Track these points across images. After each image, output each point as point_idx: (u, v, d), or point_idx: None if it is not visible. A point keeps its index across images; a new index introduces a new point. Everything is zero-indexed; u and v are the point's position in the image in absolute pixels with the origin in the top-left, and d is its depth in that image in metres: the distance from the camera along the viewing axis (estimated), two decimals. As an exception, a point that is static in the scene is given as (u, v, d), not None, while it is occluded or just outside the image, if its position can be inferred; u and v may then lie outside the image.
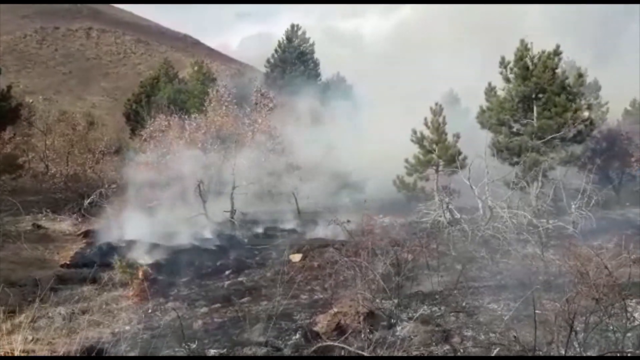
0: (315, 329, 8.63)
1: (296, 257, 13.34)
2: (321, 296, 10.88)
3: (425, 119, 18.53)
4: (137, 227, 16.62)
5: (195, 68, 32.54)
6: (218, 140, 17.81)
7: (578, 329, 6.98)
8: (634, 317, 7.62)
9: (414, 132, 18.74)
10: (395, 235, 13.99)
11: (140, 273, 11.73)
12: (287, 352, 7.84)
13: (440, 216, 16.39)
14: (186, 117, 21.37)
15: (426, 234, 13.72)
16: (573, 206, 15.42)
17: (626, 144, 20.49)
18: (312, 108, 23.98)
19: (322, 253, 13.24)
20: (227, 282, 12.32)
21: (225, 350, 8.13)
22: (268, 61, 33.88)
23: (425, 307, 9.31)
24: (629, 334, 6.99)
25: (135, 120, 28.23)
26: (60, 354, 7.28)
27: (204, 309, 10.57)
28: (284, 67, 30.44)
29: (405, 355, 6.94)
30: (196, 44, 69.81)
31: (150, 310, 10.63)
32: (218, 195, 17.48)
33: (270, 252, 14.27)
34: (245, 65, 48.11)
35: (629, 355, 6.76)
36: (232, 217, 16.79)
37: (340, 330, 8.22)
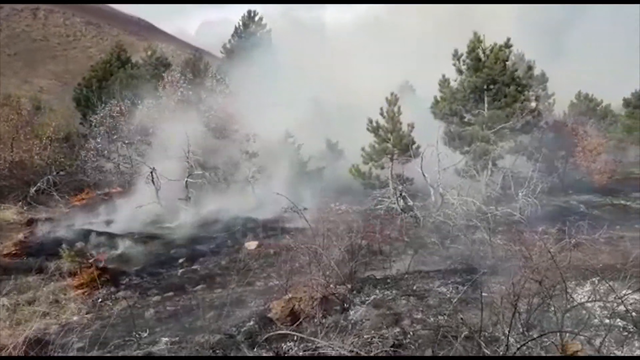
0: (269, 315, 8.67)
1: (252, 245, 13.30)
2: (276, 283, 10.92)
3: (381, 108, 18.72)
4: (86, 215, 16.12)
5: (149, 52, 31.57)
6: (172, 127, 17.39)
7: (522, 310, 7.31)
8: (573, 298, 8.04)
9: (370, 121, 18.90)
10: (351, 222, 14.17)
11: (90, 262, 11.37)
12: (240, 338, 7.82)
13: (394, 203, 16.71)
14: (139, 102, 20.80)
15: (380, 221, 13.95)
16: (520, 194, 16.06)
17: (570, 134, 21.40)
18: (268, 95, 23.76)
19: (278, 240, 13.26)
20: (180, 271, 12.16)
21: (177, 338, 8.04)
22: (224, 47, 33.35)
23: (377, 291, 9.50)
24: (568, 314, 7.36)
25: (85, 105, 27.12)
26: (5, 345, 7.01)
27: (157, 298, 10.43)
28: (241, 53, 29.92)
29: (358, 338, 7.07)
30: (150, 28, 67.60)
31: (100, 300, 10.38)
32: (172, 183, 17.10)
33: (225, 239, 14.15)
34: (201, 51, 46.95)
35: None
36: (187, 205, 16.51)
37: (294, 315, 8.29)
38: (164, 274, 11.94)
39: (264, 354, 7.11)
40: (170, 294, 10.59)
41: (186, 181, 16.81)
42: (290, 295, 8.64)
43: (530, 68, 19.68)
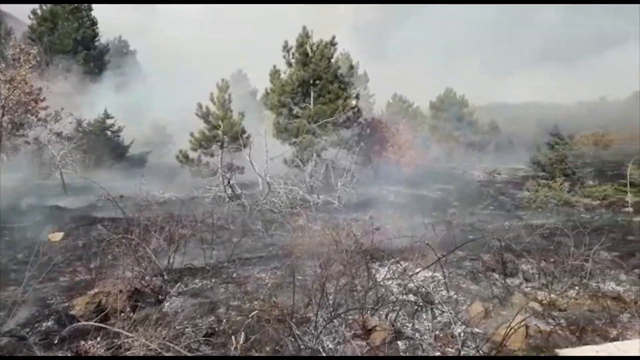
0: (72, 312, 7.87)
1: (56, 237, 11.92)
2: (85, 277, 10.00)
3: (211, 94, 18.40)
4: None
5: None
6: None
7: (331, 291, 7.81)
8: (375, 277, 8.88)
9: (200, 106, 18.47)
10: (174, 210, 13.67)
11: None
12: (34, 339, 6.95)
13: (222, 192, 16.59)
14: None
15: (205, 210, 13.70)
16: (339, 183, 17.24)
17: (385, 131, 23.67)
18: (85, 71, 21.58)
19: (88, 231, 12.14)
20: (-38, 268, 10.33)
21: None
22: (34, 13, 29.20)
23: (197, 281, 9.30)
24: (370, 293, 8.10)
25: None
26: None
27: None
28: (54, 21, 26.53)
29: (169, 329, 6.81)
30: None
31: None
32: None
33: (24, 231, 12.45)
34: (3, 14, 40.36)
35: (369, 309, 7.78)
36: (-24, 191, 14.09)
37: (101, 311, 7.66)
38: (-62, 273, 10.02)
39: (60, 354, 6.42)
40: (-55, 295, 8.92)
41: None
42: (97, 290, 7.96)
43: (352, 67, 21.16)
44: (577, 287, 8.76)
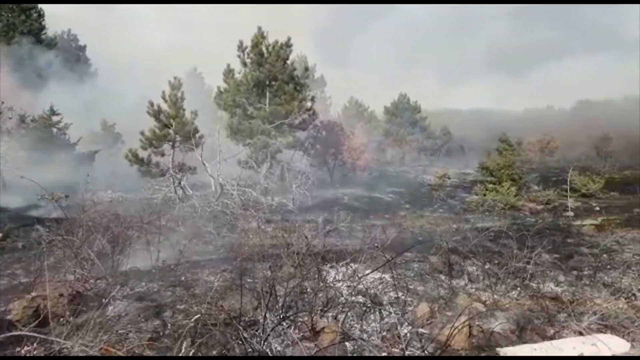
0: (8, 317, 7.48)
1: (-6, 238, 11.35)
2: (23, 280, 9.54)
3: (163, 92, 18.00)
4: None
5: None
6: None
7: (281, 293, 7.78)
8: (325, 279, 8.91)
9: (151, 104, 18.02)
10: (121, 211, 13.25)
11: None
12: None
13: (172, 192, 16.24)
14: None
15: (154, 211, 13.36)
16: (294, 185, 17.24)
17: (341, 134, 23.85)
18: (31, 65, 20.65)
19: (29, 232, 11.60)
20: None
21: None
22: (-26, 1, 27.66)
23: (143, 284, 9.05)
24: (319, 294, 8.12)
25: None
26: None
27: None
28: (-4, 11, 25.22)
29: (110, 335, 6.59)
30: None
31: None
32: None
33: (-42, 232, 11.78)
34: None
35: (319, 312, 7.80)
36: None
37: (39, 316, 7.33)
38: None
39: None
40: None
41: None
42: (35, 293, 7.59)
43: (307, 69, 21.22)
44: (519, 288, 9.09)
